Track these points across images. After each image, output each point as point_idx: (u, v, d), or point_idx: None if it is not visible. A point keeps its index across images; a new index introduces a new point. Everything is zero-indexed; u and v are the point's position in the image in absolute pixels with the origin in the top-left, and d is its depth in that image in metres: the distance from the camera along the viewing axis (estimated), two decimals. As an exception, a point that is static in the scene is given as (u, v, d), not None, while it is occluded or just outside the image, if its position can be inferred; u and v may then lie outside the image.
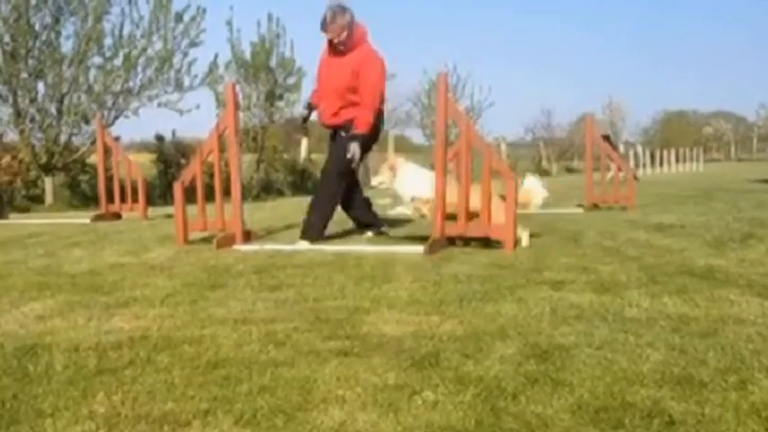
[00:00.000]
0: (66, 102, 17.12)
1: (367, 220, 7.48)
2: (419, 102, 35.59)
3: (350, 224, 7.71)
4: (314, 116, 7.37)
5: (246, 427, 2.32)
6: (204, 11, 18.07)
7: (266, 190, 20.72)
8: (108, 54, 17.52)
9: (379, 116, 7.01)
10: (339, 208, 7.30)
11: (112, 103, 17.67)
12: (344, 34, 6.83)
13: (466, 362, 2.94)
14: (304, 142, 9.79)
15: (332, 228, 7.27)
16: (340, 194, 7.13)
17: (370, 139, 7.06)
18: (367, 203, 7.48)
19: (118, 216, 10.79)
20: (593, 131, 11.80)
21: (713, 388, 2.57)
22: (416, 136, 39.39)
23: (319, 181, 7.46)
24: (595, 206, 10.78)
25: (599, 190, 11.17)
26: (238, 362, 3.01)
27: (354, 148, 6.77)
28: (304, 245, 6.73)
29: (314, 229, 6.93)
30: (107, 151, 11.24)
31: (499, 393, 2.56)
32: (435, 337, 3.32)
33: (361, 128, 6.84)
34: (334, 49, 6.94)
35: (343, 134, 6.94)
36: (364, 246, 6.43)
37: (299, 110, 7.86)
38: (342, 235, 7.42)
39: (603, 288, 4.33)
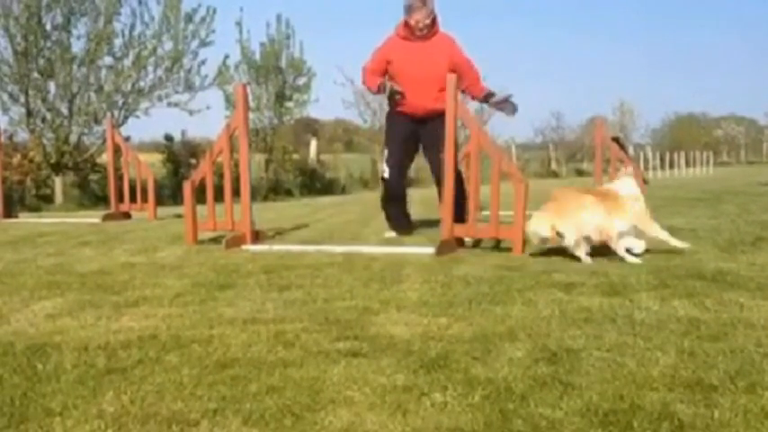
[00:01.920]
0: (76, 101, 17.17)
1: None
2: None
3: (354, 225, 7.71)
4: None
5: (255, 427, 2.33)
6: (215, 11, 18.11)
7: (275, 190, 20.73)
8: (118, 54, 17.57)
9: None
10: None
11: (123, 103, 17.71)
12: (429, 19, 6.98)
13: (475, 364, 2.93)
14: (313, 143, 9.80)
15: (336, 228, 7.26)
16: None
17: None
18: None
19: (128, 216, 10.81)
20: (604, 134, 11.77)
21: (723, 392, 2.56)
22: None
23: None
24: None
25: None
26: (247, 362, 3.01)
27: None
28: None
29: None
30: (117, 151, 11.27)
31: (508, 396, 2.56)
32: (444, 338, 3.32)
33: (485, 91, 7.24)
34: (414, 34, 7.01)
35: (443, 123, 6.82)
36: (374, 247, 6.43)
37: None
38: (350, 235, 7.42)
39: (613, 291, 4.32)
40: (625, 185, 5.98)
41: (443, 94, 6.46)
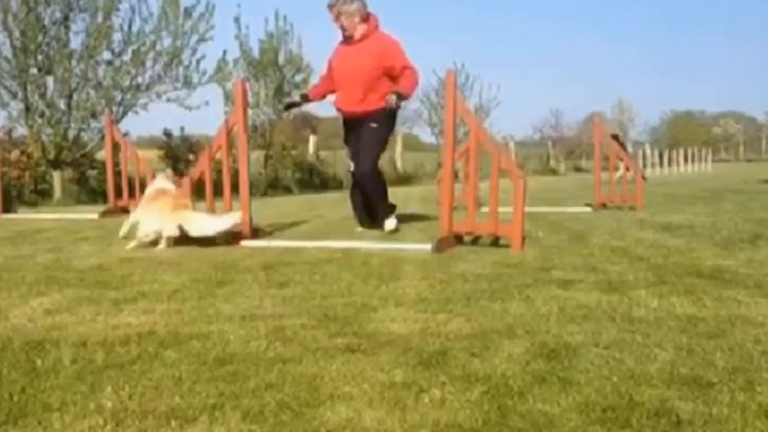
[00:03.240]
0: (75, 97, 17.14)
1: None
2: (427, 100, 35.47)
3: (353, 222, 7.70)
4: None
5: (253, 423, 2.33)
6: (213, 7, 18.06)
7: (274, 186, 20.71)
8: (117, 50, 17.53)
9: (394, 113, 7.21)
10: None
11: (121, 99, 17.68)
12: (354, 20, 6.98)
13: (473, 360, 2.93)
14: (312, 139, 9.87)
15: (335, 224, 7.27)
16: (385, 184, 7.37)
17: (392, 125, 7.30)
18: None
19: (126, 211, 10.79)
20: (602, 131, 11.77)
21: (721, 388, 2.57)
22: (425, 134, 39.35)
23: (358, 182, 7.48)
24: (603, 206, 10.76)
25: (607, 190, 11.15)
26: (246, 358, 3.01)
27: (393, 100, 6.94)
28: (390, 224, 7.21)
29: (389, 209, 7.19)
30: (115, 147, 11.26)
31: (506, 392, 2.56)
32: (443, 335, 3.32)
33: (404, 89, 7.07)
34: (347, 38, 7.07)
35: (373, 125, 7.04)
36: (372, 243, 6.43)
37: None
38: (349, 232, 7.42)
39: (611, 288, 4.32)
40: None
41: (370, 96, 6.89)
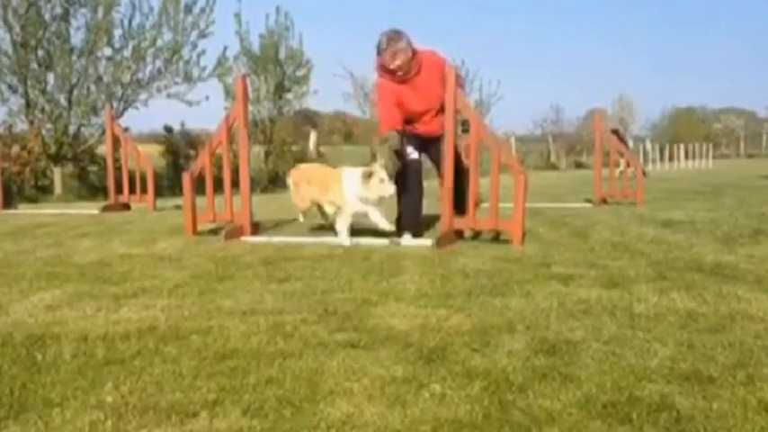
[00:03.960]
0: (75, 93, 17.14)
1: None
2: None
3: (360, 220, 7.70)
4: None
5: (254, 418, 2.33)
6: (214, 2, 18.07)
7: (274, 182, 20.72)
8: (117, 45, 17.53)
9: None
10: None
11: (122, 94, 17.69)
12: (407, 57, 6.57)
13: (473, 355, 2.94)
14: (312, 135, 9.79)
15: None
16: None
17: None
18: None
19: (127, 207, 10.81)
20: (603, 126, 11.76)
21: (721, 384, 2.57)
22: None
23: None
24: (604, 201, 10.76)
25: (608, 185, 11.14)
26: (246, 353, 3.01)
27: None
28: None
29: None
30: (116, 142, 11.25)
31: (507, 387, 2.56)
32: (443, 330, 3.33)
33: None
34: (402, 77, 6.64)
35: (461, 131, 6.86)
36: (373, 239, 6.42)
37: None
38: (351, 229, 7.41)
39: (612, 283, 4.32)
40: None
41: (441, 116, 6.54)
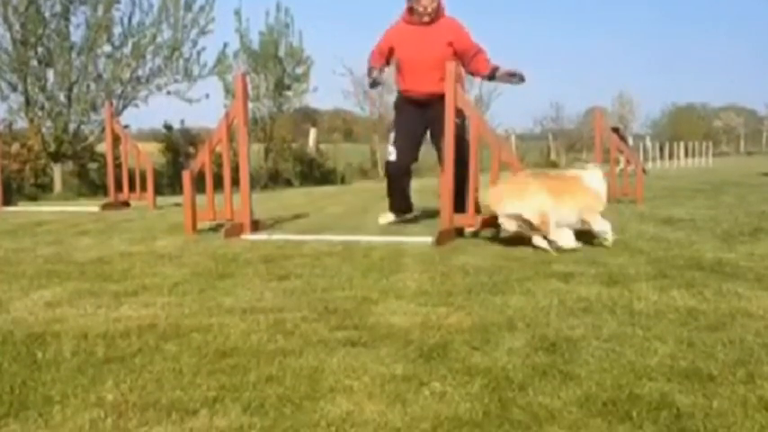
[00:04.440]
0: (75, 90, 17.13)
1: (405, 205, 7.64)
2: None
3: (353, 215, 7.71)
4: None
5: (254, 416, 2.33)
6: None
7: (274, 180, 20.72)
8: (117, 43, 17.52)
9: None
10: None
11: (121, 92, 17.67)
12: (435, 3, 7.00)
13: (474, 353, 2.94)
14: (312, 132, 9.81)
15: (335, 218, 7.26)
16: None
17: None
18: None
19: (126, 205, 10.80)
20: (603, 124, 11.76)
21: (721, 381, 2.57)
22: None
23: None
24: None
25: (608, 183, 11.11)
26: (246, 351, 3.01)
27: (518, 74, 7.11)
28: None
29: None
30: (116, 140, 11.24)
31: (507, 385, 2.56)
32: (443, 328, 3.33)
33: (489, 67, 7.10)
34: (418, 20, 7.03)
35: (457, 121, 6.60)
36: (373, 236, 6.43)
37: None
38: (351, 225, 7.42)
39: (612, 281, 4.32)
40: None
41: (442, 79, 6.48)
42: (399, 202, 7.60)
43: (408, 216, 7.57)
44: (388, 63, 7.35)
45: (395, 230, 7.02)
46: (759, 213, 8.06)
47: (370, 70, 7.33)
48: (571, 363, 2.80)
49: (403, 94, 7.38)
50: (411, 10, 7.09)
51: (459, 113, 6.61)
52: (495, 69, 7.12)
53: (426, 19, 7.03)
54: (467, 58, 7.01)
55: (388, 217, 7.54)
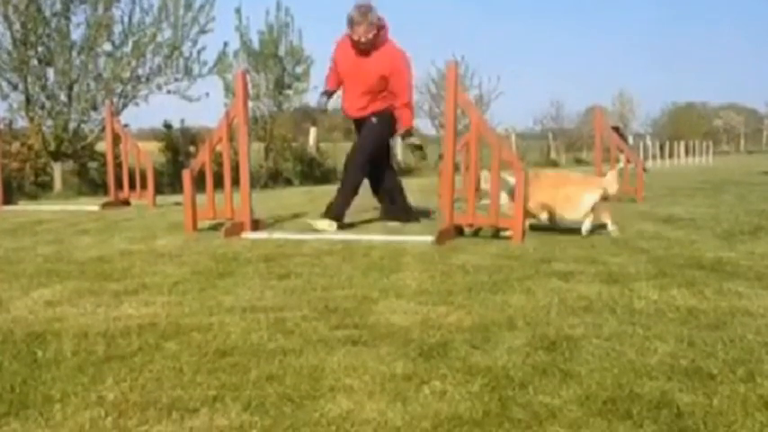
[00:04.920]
0: (75, 89, 17.12)
1: (392, 212, 7.65)
2: (428, 91, 35.40)
3: (360, 214, 7.70)
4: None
5: (254, 415, 2.33)
6: (214, -2, 18.04)
7: (274, 179, 20.70)
8: (117, 41, 17.50)
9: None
10: (366, 193, 7.60)
11: (121, 91, 17.66)
12: (371, 34, 6.90)
13: (474, 352, 2.94)
14: (312, 131, 9.87)
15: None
16: (361, 181, 7.32)
17: (393, 126, 7.39)
18: (399, 192, 7.67)
19: (127, 203, 10.80)
20: (603, 123, 11.76)
21: (721, 380, 2.57)
22: (426, 126, 39.26)
23: (344, 167, 7.58)
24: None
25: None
26: (246, 350, 3.01)
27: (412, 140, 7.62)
28: (323, 224, 6.93)
29: (336, 209, 7.10)
30: (116, 138, 11.24)
31: (507, 383, 2.56)
32: (443, 327, 3.33)
33: (407, 124, 7.34)
34: (359, 47, 6.99)
35: (374, 120, 7.16)
36: (373, 235, 6.43)
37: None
38: (351, 224, 7.42)
39: (612, 280, 4.32)
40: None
41: (375, 103, 7.09)
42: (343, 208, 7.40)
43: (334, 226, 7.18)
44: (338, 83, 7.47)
45: (395, 230, 7.03)
46: (759, 212, 8.06)
47: (321, 93, 7.57)
48: (571, 361, 2.80)
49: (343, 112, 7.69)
50: (350, 37, 7.01)
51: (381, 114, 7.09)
52: (409, 130, 7.49)
53: (362, 47, 6.98)
54: (396, 100, 7.12)
55: (324, 224, 7.09)
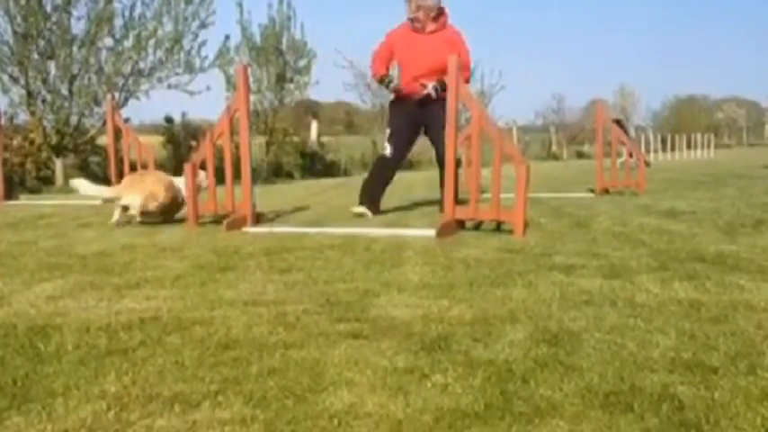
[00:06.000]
0: (76, 83, 17.13)
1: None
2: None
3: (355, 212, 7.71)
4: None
5: (256, 409, 2.33)
6: (215, -9, 18.04)
7: (276, 173, 20.73)
8: (118, 35, 17.51)
9: None
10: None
11: (123, 85, 17.67)
12: (433, 14, 7.40)
13: (476, 346, 2.94)
14: (314, 125, 9.90)
15: (337, 210, 7.26)
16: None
17: None
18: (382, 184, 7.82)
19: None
20: (605, 116, 11.75)
21: (723, 373, 2.57)
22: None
23: (439, 163, 7.45)
24: (606, 191, 10.74)
25: (609, 175, 11.11)
26: (248, 343, 3.02)
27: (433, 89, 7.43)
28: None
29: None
30: (117, 133, 11.25)
31: (509, 377, 2.56)
32: (445, 320, 3.33)
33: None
34: (421, 28, 7.45)
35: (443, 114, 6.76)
36: (374, 229, 6.43)
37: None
38: (351, 218, 7.42)
39: (614, 273, 4.32)
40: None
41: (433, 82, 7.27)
42: (377, 195, 7.74)
43: (370, 216, 7.53)
44: (387, 68, 7.76)
45: (397, 223, 7.03)
46: (761, 205, 8.05)
47: (382, 79, 7.76)
48: (573, 355, 2.80)
49: (396, 92, 7.78)
50: (411, 20, 7.49)
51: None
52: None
53: (421, 27, 7.44)
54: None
55: (361, 209, 7.60)
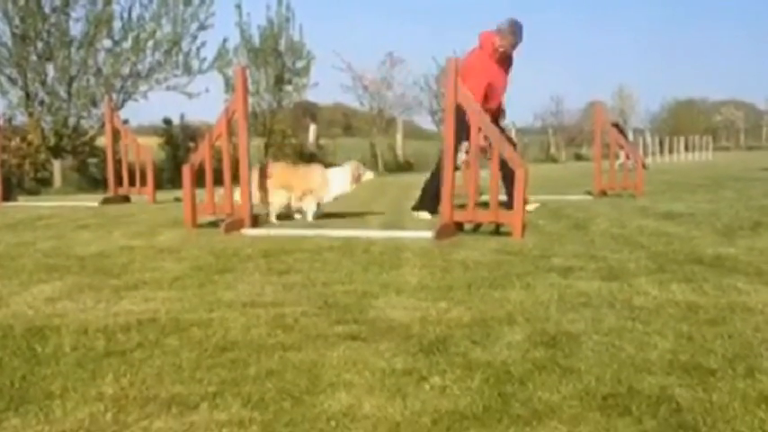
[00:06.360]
0: (75, 85, 17.12)
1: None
2: (428, 87, 35.33)
3: (354, 209, 7.70)
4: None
5: (254, 410, 2.33)
6: (214, -7, 18.05)
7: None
8: (117, 37, 17.51)
9: None
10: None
11: (121, 87, 17.67)
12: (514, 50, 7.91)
13: (474, 348, 2.94)
14: (312, 127, 9.86)
15: (335, 212, 7.26)
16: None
17: None
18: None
19: (126, 199, 10.80)
20: (603, 119, 11.75)
21: (721, 376, 2.57)
22: (425, 122, 39.14)
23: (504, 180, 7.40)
24: (604, 193, 10.73)
25: (608, 177, 11.10)
26: (246, 345, 3.02)
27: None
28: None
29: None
30: (116, 134, 11.24)
31: (507, 379, 2.56)
32: (443, 322, 3.33)
33: None
34: (503, 58, 7.89)
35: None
36: (373, 231, 6.43)
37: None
38: (350, 220, 7.42)
39: (612, 275, 4.32)
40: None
41: None
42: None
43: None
44: None
45: (395, 225, 7.03)
46: (759, 208, 8.06)
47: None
48: (571, 357, 2.80)
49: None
50: (494, 46, 7.87)
51: None
52: None
53: (502, 57, 7.91)
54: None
55: (425, 215, 7.64)
